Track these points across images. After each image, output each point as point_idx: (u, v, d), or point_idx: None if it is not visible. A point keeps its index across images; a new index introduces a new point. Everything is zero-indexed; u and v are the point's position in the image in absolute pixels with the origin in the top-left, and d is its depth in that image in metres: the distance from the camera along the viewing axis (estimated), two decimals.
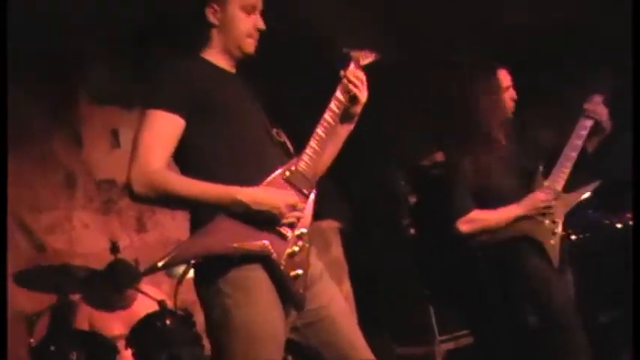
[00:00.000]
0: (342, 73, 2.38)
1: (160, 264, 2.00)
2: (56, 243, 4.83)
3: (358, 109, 2.42)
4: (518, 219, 3.21)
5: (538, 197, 3.20)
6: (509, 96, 3.33)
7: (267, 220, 2.11)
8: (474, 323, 4.10)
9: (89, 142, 5.08)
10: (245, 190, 2.10)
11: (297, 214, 2.17)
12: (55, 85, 4.95)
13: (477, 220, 3.24)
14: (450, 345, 4.24)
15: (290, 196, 2.16)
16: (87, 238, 4.87)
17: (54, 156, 4.96)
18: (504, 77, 3.34)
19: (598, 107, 3.22)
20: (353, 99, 2.38)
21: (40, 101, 4.90)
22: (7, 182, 2.59)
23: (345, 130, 2.46)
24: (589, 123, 3.23)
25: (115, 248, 3.79)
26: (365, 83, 2.39)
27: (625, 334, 3.74)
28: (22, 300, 4.13)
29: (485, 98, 3.28)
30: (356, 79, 2.37)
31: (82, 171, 5.03)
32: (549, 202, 3.19)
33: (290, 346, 2.26)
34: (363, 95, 2.39)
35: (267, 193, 2.13)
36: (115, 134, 5.09)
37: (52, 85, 4.93)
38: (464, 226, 3.24)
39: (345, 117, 2.40)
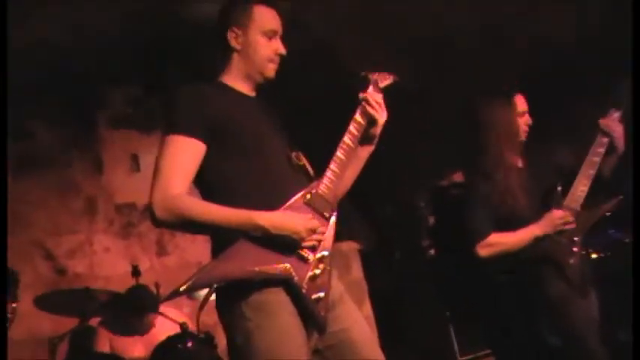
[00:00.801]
0: (360, 95, 2.39)
1: (181, 289, 2.00)
2: (77, 267, 4.87)
3: (377, 130, 2.42)
4: (537, 240, 3.20)
5: (555, 215, 3.18)
6: (524, 121, 3.33)
7: (287, 244, 2.11)
8: (494, 343, 4.07)
9: (109, 167, 5.14)
10: (265, 214, 2.11)
11: (317, 237, 2.18)
12: (74, 110, 5.02)
13: (495, 244, 3.22)
14: None
15: (310, 221, 2.16)
16: (108, 262, 4.91)
17: (74, 181, 5.02)
18: (520, 103, 3.34)
19: (612, 124, 3.21)
20: (372, 121, 2.39)
21: (61, 127, 4.97)
22: (7, 181, 2.58)
23: (366, 152, 2.46)
24: (606, 140, 3.21)
25: (136, 272, 3.81)
26: (383, 105, 2.40)
27: None
28: (43, 324, 4.17)
29: (501, 123, 3.28)
30: (374, 101, 2.38)
31: (102, 195, 5.08)
32: (567, 220, 3.17)
33: None
34: (381, 117, 2.40)
35: (287, 218, 2.13)
36: (134, 159, 5.13)
37: (71, 111, 4.99)
38: (483, 250, 3.23)
39: (364, 139, 2.41)
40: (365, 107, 2.37)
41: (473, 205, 3.30)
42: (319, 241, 2.18)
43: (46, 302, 3.51)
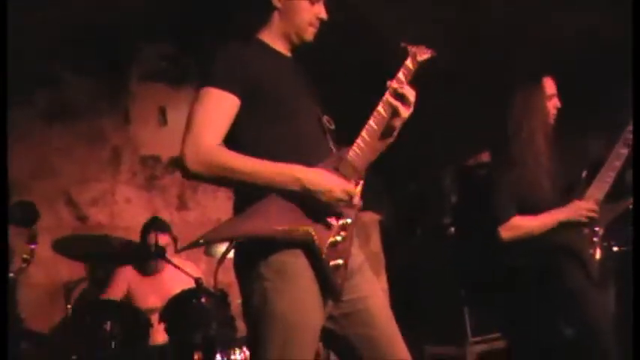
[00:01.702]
0: (394, 85, 2.30)
1: (201, 240, 1.98)
2: (98, 215, 4.94)
3: (397, 122, 2.33)
4: (559, 227, 3.17)
5: (582, 205, 3.16)
6: (552, 104, 3.30)
7: (315, 206, 2.09)
8: (507, 328, 4.05)
9: (136, 119, 5.16)
10: (304, 169, 2.09)
11: (355, 200, 2.16)
12: (108, 62, 5.03)
13: (518, 226, 3.20)
14: (483, 347, 4.20)
15: (347, 184, 2.14)
16: (128, 213, 4.97)
17: (102, 131, 5.07)
18: (549, 86, 3.31)
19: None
20: (394, 112, 2.29)
21: (93, 77, 4.99)
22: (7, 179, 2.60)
23: (383, 144, 2.39)
24: (624, 151, 3.18)
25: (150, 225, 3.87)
26: (412, 101, 2.31)
27: None
28: (62, 269, 4.22)
29: (529, 105, 3.26)
30: (407, 93, 2.29)
31: (128, 147, 5.12)
32: (593, 211, 3.15)
33: (324, 334, 2.24)
34: (404, 112, 2.29)
35: (326, 176, 2.11)
36: (162, 112, 5.14)
37: (103, 62, 5.01)
38: (505, 232, 3.21)
39: (385, 131, 2.32)
40: (398, 81, 2.30)
41: (498, 187, 3.28)
42: (348, 205, 2.16)
43: (64, 246, 3.51)
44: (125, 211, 4.99)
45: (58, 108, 4.85)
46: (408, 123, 2.37)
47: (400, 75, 2.34)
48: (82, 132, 4.93)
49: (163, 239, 4.01)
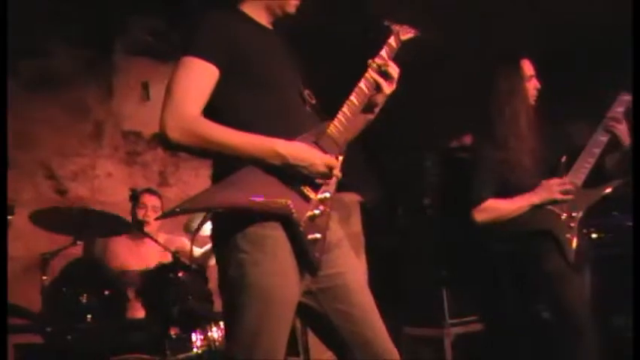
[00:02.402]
0: (382, 45, 2.33)
1: (178, 208, 1.97)
2: (78, 189, 4.90)
3: (380, 99, 2.33)
4: (538, 211, 3.18)
5: (552, 182, 3.18)
6: (532, 85, 3.33)
7: (294, 178, 2.09)
8: (485, 310, 4.08)
9: (120, 93, 5.12)
10: (285, 142, 2.08)
11: (336, 172, 2.16)
12: (93, 34, 4.98)
13: (491, 209, 3.22)
14: (460, 329, 4.22)
15: (329, 158, 2.14)
16: (109, 187, 4.94)
17: (84, 104, 5.02)
18: (527, 66, 3.33)
19: (616, 122, 3.19)
20: (378, 88, 2.30)
21: (78, 49, 4.94)
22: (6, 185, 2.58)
23: (364, 120, 2.37)
24: (604, 138, 3.24)
25: (134, 196, 3.82)
26: (395, 78, 2.31)
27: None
28: (40, 242, 4.19)
29: (509, 87, 3.28)
30: (390, 70, 2.29)
31: (110, 121, 5.09)
32: (565, 188, 3.16)
33: (301, 309, 2.24)
34: (387, 88, 2.30)
35: (307, 149, 2.11)
36: (145, 87, 5.10)
37: (88, 34, 4.95)
38: (478, 215, 3.24)
39: (366, 107, 2.32)
40: (383, 56, 2.31)
41: (477, 169, 3.30)
42: (329, 179, 2.15)
43: (41, 219, 3.48)
44: (106, 185, 4.96)
45: (41, 79, 4.79)
46: (390, 104, 2.37)
47: (383, 52, 2.33)
48: (64, 104, 4.88)
49: (154, 200, 4.02)
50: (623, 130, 3.21)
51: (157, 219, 3.94)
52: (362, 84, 2.27)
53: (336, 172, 2.17)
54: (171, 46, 5.03)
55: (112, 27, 5.09)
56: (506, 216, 3.21)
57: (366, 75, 2.28)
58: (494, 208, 3.22)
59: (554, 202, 3.19)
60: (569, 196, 3.18)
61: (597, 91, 3.73)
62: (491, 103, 3.31)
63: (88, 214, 3.47)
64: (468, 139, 3.72)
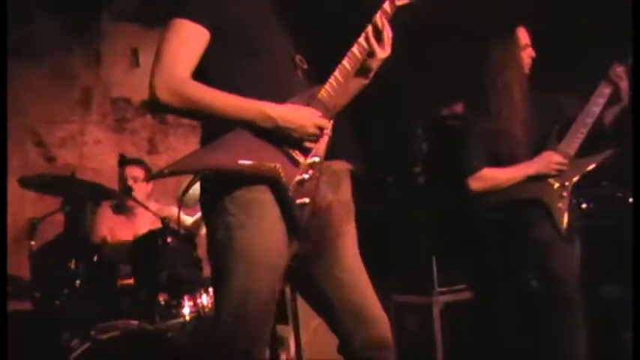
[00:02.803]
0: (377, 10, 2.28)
1: (166, 170, 1.96)
2: (67, 156, 4.89)
3: (374, 64, 2.31)
4: (530, 180, 3.19)
5: (552, 158, 3.19)
6: (527, 54, 3.31)
7: (289, 140, 2.07)
8: (474, 279, 4.09)
9: (108, 60, 5.08)
10: (275, 105, 2.06)
11: (327, 131, 2.15)
12: (78, 0, 4.92)
13: (487, 178, 3.23)
14: (449, 297, 4.24)
15: (319, 118, 2.12)
16: (97, 154, 4.92)
17: (72, 70, 4.98)
18: (522, 35, 3.31)
19: (618, 76, 3.18)
20: (371, 53, 2.27)
21: (64, 15, 4.87)
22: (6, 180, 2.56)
23: (357, 84, 2.36)
24: (607, 90, 3.22)
25: (124, 160, 3.80)
26: (389, 43, 2.28)
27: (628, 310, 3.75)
28: (26, 206, 4.18)
29: (504, 56, 3.26)
30: (384, 34, 2.26)
31: (98, 87, 5.05)
32: (563, 164, 3.17)
33: (290, 274, 2.23)
34: (381, 53, 2.27)
35: (297, 111, 2.09)
36: (134, 53, 5.05)
37: (75, 1, 4.89)
38: (474, 183, 3.24)
39: (360, 70, 2.30)
40: (378, 19, 2.27)
41: (471, 138, 3.30)
42: (319, 139, 2.14)
43: (30, 184, 3.46)
44: (94, 152, 4.94)
45: (28, 45, 4.73)
46: (382, 70, 2.35)
47: (377, 17, 2.30)
48: (52, 71, 4.83)
49: (136, 172, 3.99)
50: (624, 85, 3.20)
51: (146, 180, 3.95)
52: (354, 48, 2.24)
53: (327, 131, 2.16)
54: (161, 11, 4.97)
55: None
56: (502, 185, 3.22)
57: (359, 39, 2.25)
58: (491, 176, 3.23)
59: (549, 175, 3.19)
60: (564, 170, 3.20)
61: (589, 62, 3.73)
62: (484, 73, 3.30)
63: (75, 183, 3.44)
64: (459, 107, 3.70)
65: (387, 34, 2.27)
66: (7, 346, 2.57)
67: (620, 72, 3.19)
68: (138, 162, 4.19)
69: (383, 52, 2.28)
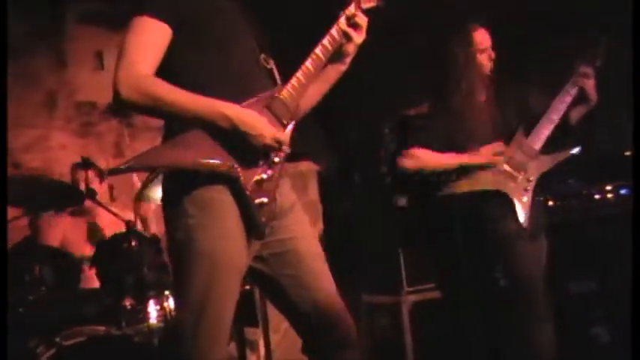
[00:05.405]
0: (341, 12, 2.30)
1: (123, 166, 1.95)
2: (32, 162, 4.81)
3: (351, 49, 2.34)
4: (492, 172, 3.21)
5: (491, 149, 3.22)
6: (486, 56, 3.32)
7: (245, 144, 2.06)
8: (442, 277, 4.10)
9: (73, 62, 5.02)
10: (236, 107, 2.06)
11: (285, 148, 2.13)
12: (44, 1, 4.86)
13: (416, 157, 3.28)
14: (417, 297, 4.26)
15: (279, 132, 2.12)
16: (63, 159, 4.84)
17: (36, 73, 4.90)
18: (481, 38, 3.32)
19: (586, 77, 3.20)
20: (347, 38, 2.31)
21: (27, 17, 4.81)
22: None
23: (335, 72, 2.38)
24: (574, 90, 3.23)
25: (86, 163, 3.77)
26: (364, 27, 2.32)
27: (597, 305, 3.79)
28: None
29: (460, 58, 3.28)
30: (358, 19, 2.30)
31: (63, 91, 4.99)
32: (497, 151, 3.20)
33: (254, 275, 2.25)
34: (357, 37, 2.31)
35: (257, 118, 2.08)
36: (99, 56, 5.01)
37: (39, 2, 4.83)
38: (405, 160, 3.31)
39: (337, 56, 2.33)
40: (342, 23, 2.29)
41: (421, 127, 3.38)
42: (275, 153, 2.14)
43: None
44: (60, 157, 4.87)
45: None
46: (349, 70, 2.37)
47: (342, 20, 2.31)
48: (14, 74, 4.76)
49: (92, 178, 3.97)
50: (591, 86, 3.22)
51: (108, 173, 3.96)
52: (317, 50, 2.25)
53: (285, 147, 2.15)
54: (125, 13, 4.93)
55: None
56: (430, 166, 3.27)
57: (330, 34, 2.27)
58: (420, 157, 3.28)
59: (486, 165, 3.22)
60: (499, 158, 3.22)
61: (558, 56, 3.76)
62: (445, 74, 3.32)
63: (37, 184, 3.40)
64: (425, 108, 3.72)
65: (361, 19, 2.31)
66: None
67: (587, 72, 3.21)
68: (90, 166, 4.16)
69: (359, 37, 2.31)
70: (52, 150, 4.88)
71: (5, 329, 2.53)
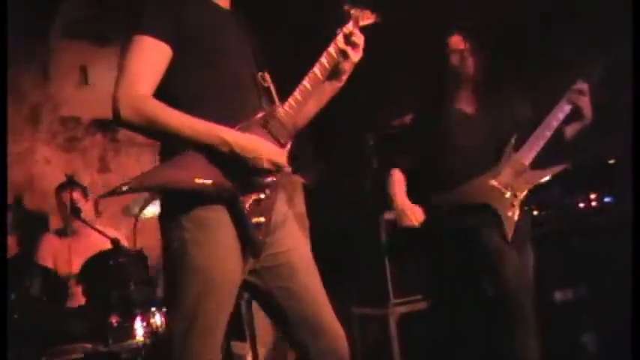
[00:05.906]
0: (338, 30, 2.32)
1: (123, 187, 1.93)
2: (16, 176, 4.77)
3: (348, 67, 2.36)
4: (480, 186, 3.21)
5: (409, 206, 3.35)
6: (468, 64, 3.29)
7: (243, 167, 2.06)
8: (429, 289, 4.12)
9: (57, 77, 4.99)
10: (233, 131, 2.06)
11: (285, 169, 2.15)
12: (27, 15, 4.83)
13: (391, 182, 3.39)
14: (405, 308, 4.26)
15: (279, 154, 2.13)
16: (48, 175, 4.82)
17: (20, 87, 4.87)
18: (456, 39, 3.31)
19: (580, 94, 3.20)
20: (345, 57, 2.33)
21: (11, 30, 4.77)
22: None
23: (332, 88, 2.40)
24: (567, 107, 3.21)
25: (71, 182, 3.77)
26: (361, 45, 2.34)
27: (583, 314, 3.80)
28: None
29: (440, 64, 3.30)
30: (355, 38, 2.32)
31: (47, 106, 4.96)
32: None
33: (247, 288, 2.25)
34: (355, 55, 2.33)
35: (254, 141, 2.08)
36: (83, 71, 4.99)
37: (23, 15, 4.80)
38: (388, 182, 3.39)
39: (334, 74, 2.35)
40: (340, 42, 2.31)
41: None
42: (274, 175, 2.14)
43: None
44: (44, 172, 4.85)
45: None
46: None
47: (340, 38, 2.33)
48: None
49: (78, 198, 3.95)
50: (585, 103, 3.22)
51: (100, 197, 3.91)
52: (315, 69, 2.26)
53: (285, 167, 2.16)
54: (109, 29, 4.93)
55: (46, 7, 4.95)
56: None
57: (326, 53, 2.29)
58: (395, 181, 3.40)
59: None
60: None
61: (549, 74, 3.78)
62: (425, 81, 3.37)
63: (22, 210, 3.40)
64: (408, 119, 3.74)
65: (358, 37, 2.33)
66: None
67: (582, 89, 3.21)
68: (77, 184, 4.16)
69: (356, 55, 2.33)
70: (37, 165, 4.86)
71: (5, 329, 2.50)
